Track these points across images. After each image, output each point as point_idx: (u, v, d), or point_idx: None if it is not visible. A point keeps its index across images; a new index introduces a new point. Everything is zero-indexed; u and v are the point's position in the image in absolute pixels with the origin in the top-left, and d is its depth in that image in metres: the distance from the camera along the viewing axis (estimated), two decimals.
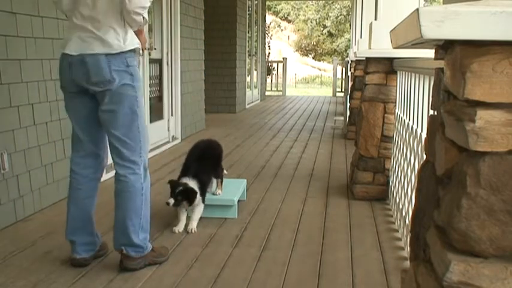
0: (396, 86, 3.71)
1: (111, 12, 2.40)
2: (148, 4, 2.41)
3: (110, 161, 4.57)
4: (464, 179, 0.88)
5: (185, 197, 3.06)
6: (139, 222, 2.53)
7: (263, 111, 10.66)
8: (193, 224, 3.15)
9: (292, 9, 31.88)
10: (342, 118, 8.24)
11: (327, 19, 30.17)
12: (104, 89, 2.40)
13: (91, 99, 2.48)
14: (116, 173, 2.54)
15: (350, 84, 7.59)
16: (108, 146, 2.63)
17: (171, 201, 3.02)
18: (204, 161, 3.32)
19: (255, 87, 12.52)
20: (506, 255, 0.88)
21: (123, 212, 2.51)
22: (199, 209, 3.19)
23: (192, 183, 3.11)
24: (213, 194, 3.45)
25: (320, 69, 28.69)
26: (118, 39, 2.39)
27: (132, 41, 2.45)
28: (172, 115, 6.44)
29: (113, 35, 2.39)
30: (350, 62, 8.42)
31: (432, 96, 1.23)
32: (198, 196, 3.12)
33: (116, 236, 2.56)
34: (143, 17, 2.42)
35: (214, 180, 3.46)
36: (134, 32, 2.49)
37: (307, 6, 30.93)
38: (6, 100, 3.17)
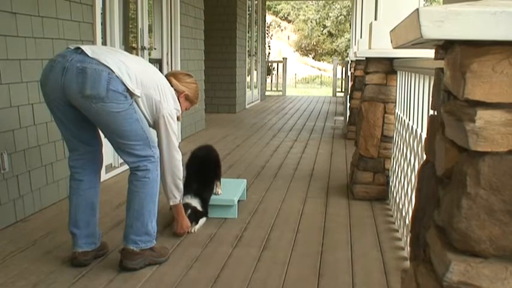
0: (396, 86, 3.71)
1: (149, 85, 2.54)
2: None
3: (108, 161, 4.61)
4: (464, 179, 0.88)
5: (194, 219, 3.13)
6: (154, 209, 2.58)
7: (263, 111, 10.65)
8: (195, 226, 3.15)
9: (292, 9, 31.89)
10: (342, 118, 8.25)
11: (327, 19, 30.19)
12: (94, 105, 2.34)
13: (75, 109, 2.43)
14: (134, 167, 2.53)
15: (350, 84, 7.59)
16: (98, 138, 2.66)
17: None
18: (204, 172, 3.37)
19: (255, 87, 12.52)
20: (506, 255, 0.88)
21: (141, 197, 2.53)
22: (202, 220, 3.23)
23: (195, 202, 3.17)
24: (213, 193, 3.45)
25: (320, 69, 28.71)
26: (131, 82, 2.41)
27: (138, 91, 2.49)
28: None
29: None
30: (350, 62, 8.42)
31: (432, 96, 1.23)
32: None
33: (129, 223, 2.54)
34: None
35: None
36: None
37: (307, 6, 30.94)
38: (6, 100, 3.17)
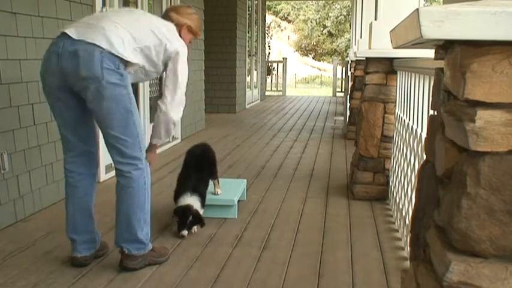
0: (396, 86, 3.72)
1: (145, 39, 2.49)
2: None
3: (108, 161, 4.60)
4: (464, 179, 0.88)
5: (195, 222, 3.09)
6: (144, 217, 2.54)
7: (263, 111, 10.65)
8: (195, 226, 3.15)
9: (292, 9, 31.89)
10: (342, 118, 8.25)
11: (327, 19, 30.18)
12: (92, 86, 2.33)
13: (76, 98, 2.43)
14: (118, 170, 2.50)
15: (350, 84, 7.59)
16: (96, 139, 2.63)
17: (185, 233, 3.06)
18: (200, 169, 3.35)
19: (255, 87, 12.52)
20: (506, 255, 0.88)
21: (128, 207, 2.50)
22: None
23: (193, 200, 3.14)
24: (213, 193, 3.45)
25: (320, 69, 28.70)
26: (124, 48, 2.38)
27: (136, 59, 2.45)
28: None
29: (123, 45, 2.38)
30: (350, 62, 8.42)
31: (432, 96, 1.24)
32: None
33: (118, 232, 2.54)
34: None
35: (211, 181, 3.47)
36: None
37: (307, 6, 30.94)
38: (6, 100, 3.17)
